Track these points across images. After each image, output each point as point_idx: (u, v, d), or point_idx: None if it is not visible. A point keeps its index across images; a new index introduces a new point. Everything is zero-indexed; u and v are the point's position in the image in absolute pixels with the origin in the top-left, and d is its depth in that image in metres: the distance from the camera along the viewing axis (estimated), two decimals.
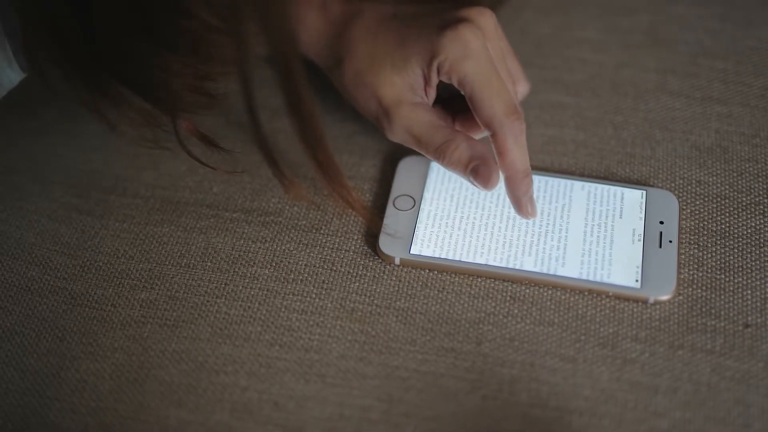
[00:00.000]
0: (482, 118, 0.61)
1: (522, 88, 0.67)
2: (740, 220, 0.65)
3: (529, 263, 0.62)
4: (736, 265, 0.62)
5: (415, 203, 0.65)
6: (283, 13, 0.48)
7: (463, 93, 0.62)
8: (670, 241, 0.63)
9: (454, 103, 0.65)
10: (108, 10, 0.54)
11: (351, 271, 0.63)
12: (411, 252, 0.63)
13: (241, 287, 0.63)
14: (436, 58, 0.61)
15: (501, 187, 0.63)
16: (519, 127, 0.61)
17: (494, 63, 0.61)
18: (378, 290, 0.62)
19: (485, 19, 0.62)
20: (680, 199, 0.66)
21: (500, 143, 0.61)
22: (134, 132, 0.61)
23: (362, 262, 0.64)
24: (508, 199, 0.63)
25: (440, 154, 0.62)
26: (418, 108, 0.63)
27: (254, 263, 0.64)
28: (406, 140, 0.64)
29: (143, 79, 0.58)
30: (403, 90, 0.63)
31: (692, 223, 0.65)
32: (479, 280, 0.62)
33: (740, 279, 0.62)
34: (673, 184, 0.67)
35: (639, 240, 0.63)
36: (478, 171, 0.62)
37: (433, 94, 0.64)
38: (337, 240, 0.65)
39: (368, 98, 0.64)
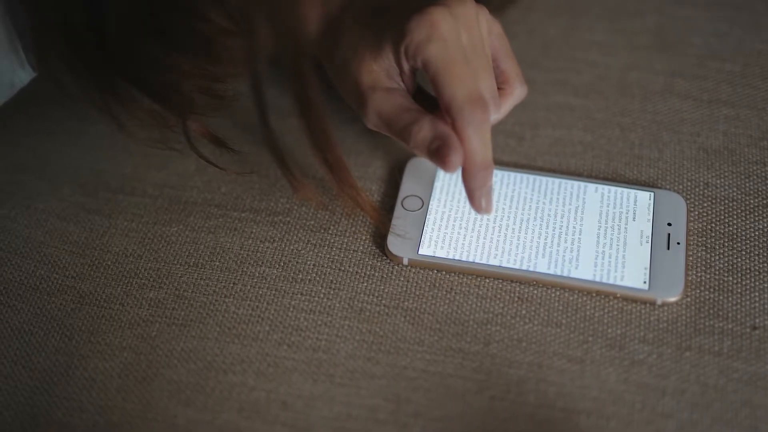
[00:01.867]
0: (443, 103, 0.58)
1: (518, 91, 0.64)
2: (748, 222, 0.65)
3: (538, 264, 0.62)
4: (744, 267, 0.62)
5: (424, 204, 0.66)
6: (293, 15, 0.48)
7: (428, 78, 0.60)
8: (678, 243, 0.63)
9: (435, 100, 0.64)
10: (120, 11, 0.54)
11: (359, 271, 0.63)
12: (419, 252, 0.63)
13: (249, 287, 0.63)
14: (403, 40, 0.59)
15: (506, 185, 0.63)
16: (481, 117, 0.58)
17: (463, 49, 0.59)
18: (386, 290, 0.62)
19: (464, 7, 0.60)
20: (688, 201, 0.66)
21: (459, 131, 0.58)
22: (143, 133, 0.61)
23: (370, 263, 0.64)
24: (516, 200, 0.63)
25: (406, 135, 0.60)
26: (390, 93, 0.61)
27: (262, 263, 0.64)
28: (378, 125, 0.62)
29: (153, 80, 0.58)
30: (379, 76, 0.61)
31: (700, 225, 0.65)
32: (487, 280, 0.62)
33: (748, 281, 0.62)
34: (680, 186, 0.67)
35: (647, 242, 0.63)
36: (438, 151, 0.59)
37: (410, 83, 0.63)
38: (346, 240, 0.65)
39: (350, 85, 0.62)
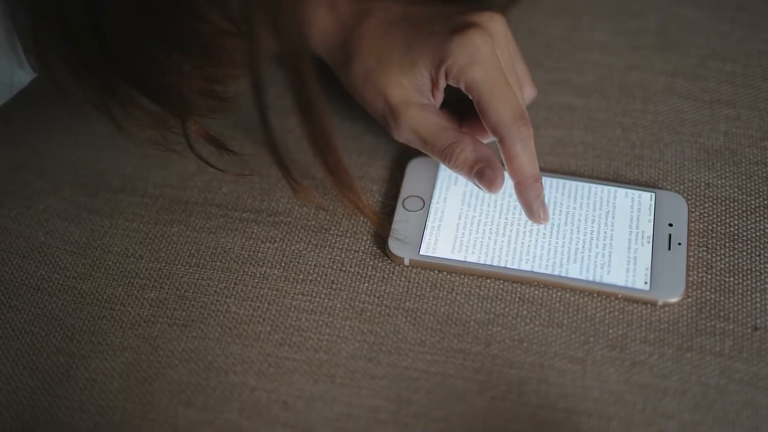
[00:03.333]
0: (489, 124, 0.61)
1: (528, 93, 0.67)
2: (749, 222, 0.65)
3: (539, 264, 0.62)
4: (745, 267, 0.62)
5: (425, 204, 0.66)
6: (295, 14, 0.48)
7: (470, 98, 0.62)
8: (679, 244, 0.63)
9: (462, 107, 0.65)
10: (119, 12, 0.54)
11: (360, 271, 0.63)
12: (420, 253, 0.63)
13: (250, 287, 0.63)
14: (444, 62, 0.61)
15: (508, 187, 0.63)
16: (526, 133, 0.61)
17: (502, 69, 0.62)
18: (387, 291, 0.62)
19: (495, 24, 0.63)
20: (689, 202, 0.66)
21: (508, 149, 0.61)
22: (143, 134, 0.61)
23: (371, 263, 0.64)
24: (518, 200, 0.63)
25: (446, 155, 0.62)
26: (425, 109, 0.63)
27: (263, 263, 0.64)
28: (412, 141, 0.64)
29: (153, 81, 0.58)
30: (410, 91, 0.63)
31: (701, 226, 0.65)
32: (488, 281, 0.62)
33: (749, 281, 0.62)
34: (681, 187, 0.67)
35: (648, 242, 0.63)
36: (483, 173, 0.62)
37: (440, 96, 0.64)
38: (347, 240, 0.65)
39: (375, 97, 0.64)
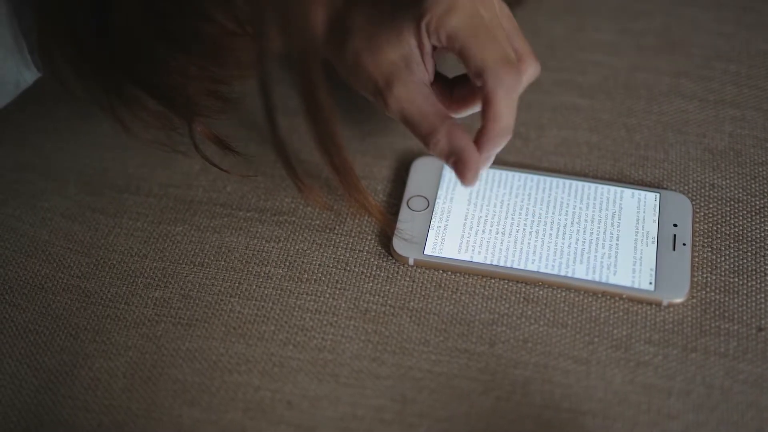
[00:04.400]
0: (472, 70, 0.57)
1: (532, 68, 0.62)
2: (754, 223, 0.65)
3: (544, 264, 0.62)
4: (750, 268, 0.62)
5: (429, 204, 0.65)
6: (303, 14, 0.48)
7: (454, 53, 0.59)
8: (684, 244, 0.63)
9: (456, 78, 0.63)
10: (126, 12, 0.54)
11: (365, 271, 0.63)
12: (425, 253, 0.63)
13: (254, 286, 0.63)
14: (423, 18, 0.58)
15: (513, 187, 0.63)
16: (513, 79, 0.57)
17: (485, 19, 0.58)
18: (392, 291, 0.62)
19: None
20: (694, 202, 0.66)
21: (488, 92, 0.57)
22: (148, 134, 0.61)
23: (376, 263, 0.64)
24: (523, 200, 0.63)
25: (426, 143, 0.60)
26: (411, 88, 0.60)
27: (268, 262, 0.64)
28: (400, 121, 0.61)
29: (159, 82, 0.58)
30: (399, 66, 0.60)
31: (706, 226, 0.65)
32: (493, 281, 0.62)
33: (754, 282, 0.62)
34: (686, 187, 0.67)
35: (653, 243, 0.63)
36: (455, 167, 0.59)
37: (431, 64, 0.62)
38: (351, 240, 0.65)
39: (366, 78, 0.61)
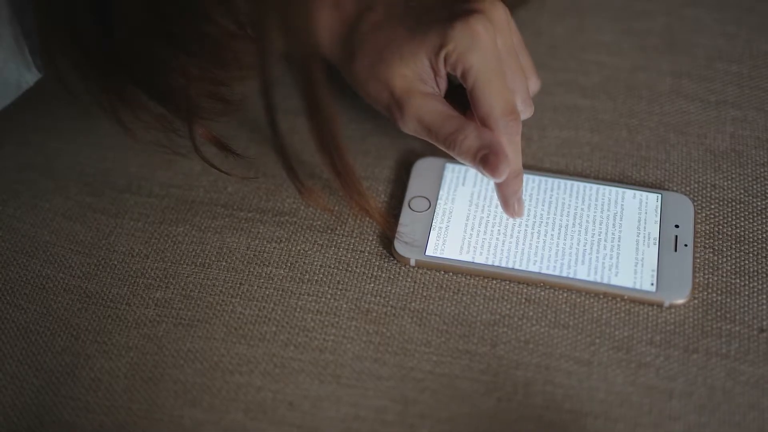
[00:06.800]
0: (479, 114, 0.61)
1: (533, 85, 0.66)
2: (755, 224, 0.65)
3: (545, 265, 0.62)
4: (752, 269, 0.62)
5: (431, 205, 0.65)
6: (305, 16, 0.48)
7: (464, 86, 0.61)
8: (686, 245, 0.63)
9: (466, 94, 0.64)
10: (127, 13, 0.54)
11: (366, 272, 0.63)
12: (426, 254, 0.63)
13: (256, 287, 0.63)
14: (444, 47, 0.61)
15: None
16: (515, 128, 0.61)
17: (501, 59, 0.61)
18: (393, 291, 0.62)
19: (497, 11, 0.62)
20: (695, 203, 0.66)
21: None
22: (149, 136, 0.61)
23: (377, 263, 0.64)
24: (524, 201, 0.63)
25: (450, 142, 0.62)
26: (428, 98, 0.62)
27: (269, 263, 0.64)
28: (417, 131, 0.63)
29: (160, 84, 0.58)
30: (413, 81, 0.62)
31: (707, 227, 0.65)
32: (494, 282, 0.62)
33: (756, 283, 0.62)
34: (687, 188, 0.67)
35: (654, 244, 0.63)
36: (486, 160, 0.61)
37: (444, 84, 0.64)
38: (353, 241, 0.65)
39: (380, 91, 0.63)
